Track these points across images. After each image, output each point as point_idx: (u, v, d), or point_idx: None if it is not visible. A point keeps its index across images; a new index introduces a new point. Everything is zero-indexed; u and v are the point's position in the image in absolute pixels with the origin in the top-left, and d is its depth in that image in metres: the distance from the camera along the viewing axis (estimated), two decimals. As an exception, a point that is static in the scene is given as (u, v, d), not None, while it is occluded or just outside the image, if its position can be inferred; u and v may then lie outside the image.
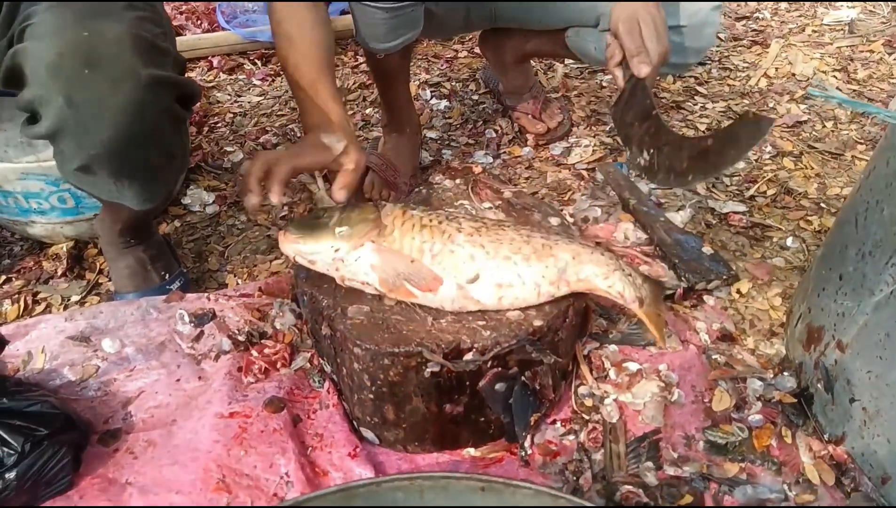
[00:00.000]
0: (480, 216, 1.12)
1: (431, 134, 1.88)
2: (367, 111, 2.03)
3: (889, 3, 2.51)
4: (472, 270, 0.97)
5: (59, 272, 1.43)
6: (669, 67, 1.37)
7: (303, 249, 1.00)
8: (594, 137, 1.84)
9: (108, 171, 0.92)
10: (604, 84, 2.10)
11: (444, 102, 2.04)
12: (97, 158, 0.89)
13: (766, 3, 2.63)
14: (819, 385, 1.08)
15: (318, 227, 1.00)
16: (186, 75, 2.11)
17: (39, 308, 1.36)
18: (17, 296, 1.38)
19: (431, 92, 2.10)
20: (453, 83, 2.15)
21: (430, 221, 1.01)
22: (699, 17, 1.31)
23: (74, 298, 1.38)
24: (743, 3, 2.64)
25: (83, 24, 0.85)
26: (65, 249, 1.46)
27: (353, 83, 2.17)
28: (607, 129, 1.88)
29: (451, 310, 0.99)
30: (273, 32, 1.15)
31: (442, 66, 2.27)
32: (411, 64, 2.25)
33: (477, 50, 2.36)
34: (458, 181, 1.29)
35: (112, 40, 0.85)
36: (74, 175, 0.94)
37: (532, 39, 1.64)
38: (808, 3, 2.61)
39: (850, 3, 2.57)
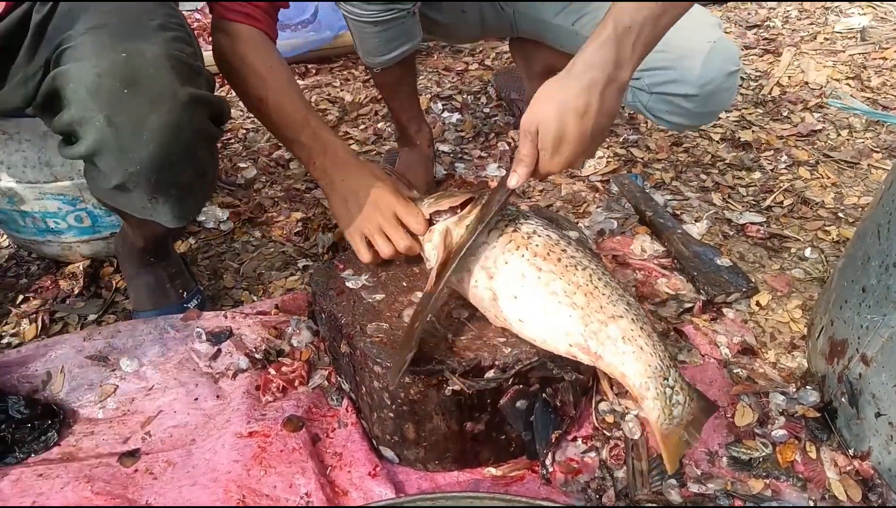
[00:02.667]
0: (570, 242, 1.00)
1: (444, 147, 1.88)
2: (379, 125, 2.03)
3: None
4: (514, 288, 0.94)
5: (76, 291, 1.43)
6: (680, 127, 1.37)
7: None
8: (608, 148, 1.83)
9: (144, 189, 0.93)
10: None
11: (457, 115, 2.04)
12: (134, 177, 0.90)
13: (777, 8, 2.62)
14: (843, 399, 1.06)
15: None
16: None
17: (57, 327, 1.37)
18: (34, 315, 1.38)
19: (443, 105, 2.10)
20: (465, 96, 2.16)
21: (506, 226, 0.99)
22: (712, 86, 1.24)
23: (91, 317, 1.39)
24: (753, 12, 2.64)
25: (121, 46, 0.86)
26: (81, 268, 1.47)
27: (365, 97, 2.18)
28: (620, 140, 1.87)
29: (485, 314, 0.99)
30: (234, 71, 1.14)
31: (453, 78, 2.28)
32: (421, 77, 2.27)
33: (487, 62, 2.37)
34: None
35: (150, 61, 0.87)
36: (109, 193, 0.95)
37: (563, 57, 1.62)
38: (819, 11, 2.61)
39: (860, 10, 2.56)
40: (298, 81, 2.32)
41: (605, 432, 1.09)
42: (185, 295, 1.32)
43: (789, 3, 2.69)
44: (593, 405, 1.12)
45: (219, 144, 1.96)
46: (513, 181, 0.96)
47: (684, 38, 1.20)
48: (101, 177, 0.93)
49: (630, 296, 0.95)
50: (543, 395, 1.00)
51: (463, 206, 1.06)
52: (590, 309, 0.91)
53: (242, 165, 1.85)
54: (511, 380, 0.95)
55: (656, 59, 1.21)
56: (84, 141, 0.88)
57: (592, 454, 1.06)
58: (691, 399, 0.90)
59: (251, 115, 2.12)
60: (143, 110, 0.86)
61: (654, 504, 0.98)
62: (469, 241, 0.96)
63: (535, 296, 0.93)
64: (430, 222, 1.07)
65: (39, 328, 1.35)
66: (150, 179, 0.91)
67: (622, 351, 0.89)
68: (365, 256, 1.12)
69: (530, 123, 0.93)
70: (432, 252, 1.05)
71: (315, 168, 1.16)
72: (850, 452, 1.05)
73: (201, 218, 1.63)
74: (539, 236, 0.98)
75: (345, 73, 2.37)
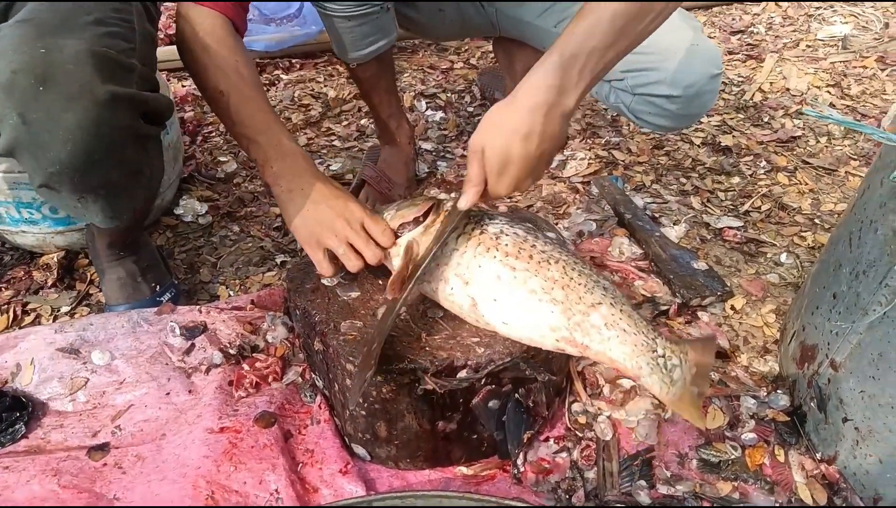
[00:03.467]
0: (537, 237, 1.01)
1: (427, 145, 1.88)
2: (363, 122, 2.03)
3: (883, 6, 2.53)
4: (492, 291, 0.94)
5: (50, 283, 1.42)
6: (662, 128, 1.37)
7: None
8: (589, 150, 1.84)
9: (69, 189, 0.91)
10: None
11: (440, 114, 2.04)
12: (55, 176, 0.88)
13: (761, 14, 2.64)
14: (812, 404, 1.07)
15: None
16: (176, 86, 2.10)
17: (29, 319, 1.35)
18: (6, 306, 1.36)
19: (427, 103, 2.10)
20: (448, 94, 2.16)
21: (472, 229, 0.99)
22: (695, 88, 1.25)
23: (64, 308, 1.37)
24: (738, 18, 2.66)
25: (42, 41, 0.84)
26: (55, 259, 1.45)
27: (349, 93, 2.17)
28: (602, 142, 1.88)
29: (464, 316, 0.98)
30: (196, 59, 1.11)
31: (437, 77, 2.28)
32: (405, 74, 2.26)
33: (473, 61, 2.37)
34: (452, 194, 1.28)
35: (69, 57, 0.84)
36: (40, 191, 0.94)
37: None
38: (802, 18, 2.63)
39: (843, 19, 2.59)
40: (282, 76, 2.31)
41: (577, 433, 1.09)
42: (157, 289, 1.30)
43: (773, 9, 2.71)
44: (566, 406, 1.12)
45: (199, 138, 1.94)
46: (462, 203, 0.98)
47: (668, 40, 1.21)
48: (28, 175, 0.91)
49: (605, 280, 0.96)
50: (516, 395, 1.00)
51: (426, 215, 1.05)
52: (570, 302, 0.92)
53: (223, 158, 1.84)
54: (483, 380, 0.95)
55: (640, 61, 1.23)
56: (1, 139, 0.86)
57: (564, 454, 1.06)
58: (686, 355, 0.91)
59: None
60: (58, 108, 0.84)
61: (623, 505, 0.99)
62: (429, 256, 0.96)
63: (514, 296, 0.93)
64: (396, 235, 1.05)
65: (11, 319, 1.34)
66: (73, 178, 0.89)
67: (607, 337, 0.90)
68: (327, 269, 1.07)
69: (477, 145, 0.94)
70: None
71: (270, 172, 1.10)
72: (818, 456, 1.06)
73: (179, 211, 1.61)
74: (507, 235, 0.98)
75: (329, 68, 2.36)
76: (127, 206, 1.01)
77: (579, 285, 0.93)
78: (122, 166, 0.94)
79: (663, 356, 0.91)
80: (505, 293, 0.94)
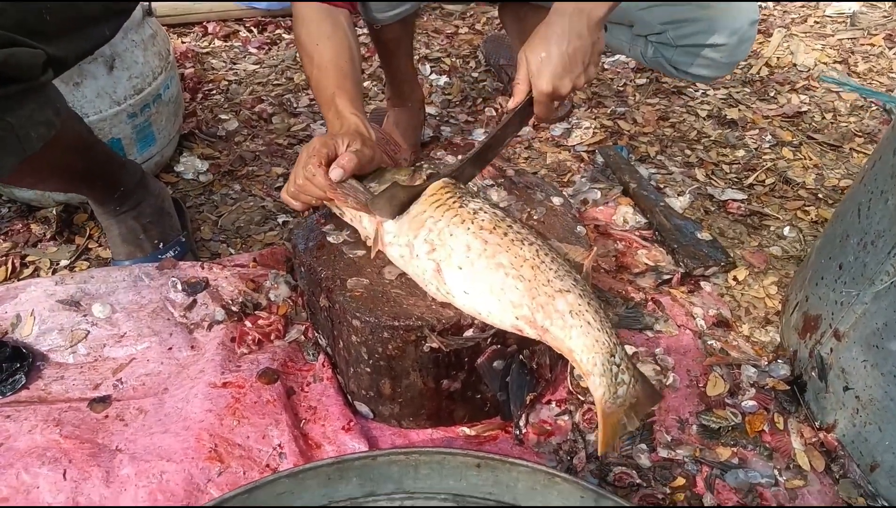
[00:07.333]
0: (516, 220, 0.98)
1: (430, 110, 1.86)
2: (365, 84, 2.00)
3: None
4: (459, 259, 0.91)
5: (48, 236, 1.40)
6: (703, 79, 1.40)
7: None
8: (595, 119, 1.82)
9: None
10: (605, 66, 2.08)
11: (444, 79, 2.01)
12: None
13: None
14: (813, 373, 1.08)
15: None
16: (176, 42, 2.04)
17: (27, 271, 1.34)
18: (4, 258, 1.35)
19: (431, 67, 2.07)
20: (453, 59, 2.13)
21: (453, 203, 0.96)
22: (739, 34, 1.29)
23: (63, 262, 1.36)
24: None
25: None
26: (54, 212, 1.43)
27: (352, 55, 2.13)
28: (608, 112, 1.86)
29: (426, 290, 0.96)
30: (299, 52, 1.21)
31: (442, 41, 2.24)
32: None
33: (478, 26, 2.33)
34: (460, 157, 1.27)
35: None
36: None
37: None
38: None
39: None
40: (284, 36, 2.27)
41: (578, 396, 1.10)
42: (160, 246, 1.28)
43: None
44: (569, 370, 1.12)
45: (200, 95, 1.91)
46: (511, 103, 1.10)
47: None
48: None
49: (577, 274, 0.92)
50: (521, 356, 1.00)
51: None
52: (537, 282, 0.89)
53: (224, 116, 1.81)
54: (489, 340, 0.95)
55: (682, 13, 1.30)
56: None
57: (565, 417, 1.07)
58: (636, 381, 0.88)
59: (233, 66, 2.08)
60: None
61: (623, 467, 1.00)
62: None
63: (480, 267, 0.90)
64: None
65: (9, 270, 1.33)
66: None
67: (570, 325, 0.86)
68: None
69: (521, 53, 1.07)
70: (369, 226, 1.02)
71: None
72: (817, 424, 1.07)
73: (179, 168, 1.59)
74: (485, 212, 0.95)
75: (332, 29, 2.32)
76: None
77: (550, 269, 0.89)
78: None
79: (618, 366, 0.86)
80: (472, 263, 0.91)
